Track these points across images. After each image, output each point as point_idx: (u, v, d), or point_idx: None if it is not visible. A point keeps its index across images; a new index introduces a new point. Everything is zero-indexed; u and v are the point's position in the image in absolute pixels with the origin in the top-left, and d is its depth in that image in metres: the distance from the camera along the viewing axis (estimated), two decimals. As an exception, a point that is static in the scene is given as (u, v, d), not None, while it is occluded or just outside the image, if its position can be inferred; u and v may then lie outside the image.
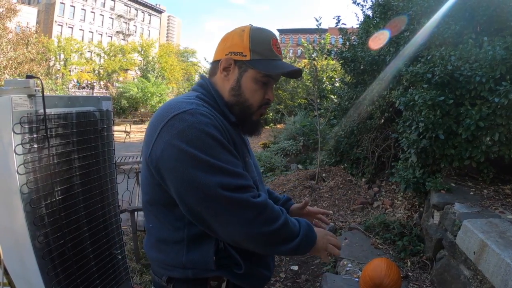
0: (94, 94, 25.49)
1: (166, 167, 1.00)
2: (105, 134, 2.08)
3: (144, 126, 21.32)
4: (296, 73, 1.21)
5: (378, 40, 4.95)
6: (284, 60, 1.22)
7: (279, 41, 1.22)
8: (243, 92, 1.15)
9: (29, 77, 1.58)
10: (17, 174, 1.54)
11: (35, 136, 1.61)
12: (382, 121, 5.59)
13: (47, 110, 1.64)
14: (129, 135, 15.38)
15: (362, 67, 5.54)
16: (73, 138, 1.85)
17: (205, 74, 1.27)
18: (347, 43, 6.20)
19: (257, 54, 1.12)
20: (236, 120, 1.16)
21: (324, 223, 1.50)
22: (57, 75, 28.91)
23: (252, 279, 1.17)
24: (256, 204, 0.98)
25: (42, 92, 1.61)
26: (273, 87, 1.22)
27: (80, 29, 43.93)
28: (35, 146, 1.62)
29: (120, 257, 2.25)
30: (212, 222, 0.99)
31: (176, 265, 1.11)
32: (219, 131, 1.02)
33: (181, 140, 0.97)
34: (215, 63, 1.20)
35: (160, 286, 1.17)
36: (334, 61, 11.43)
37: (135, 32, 51.37)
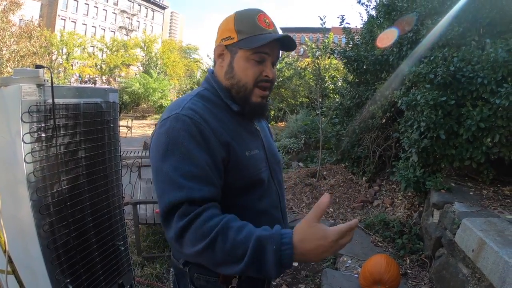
0: (96, 89, 25.47)
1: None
2: (111, 125, 2.09)
3: (146, 122, 21.35)
4: (288, 43, 1.17)
5: (386, 39, 4.95)
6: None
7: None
8: (236, 73, 1.15)
9: (38, 66, 1.59)
10: (24, 163, 1.55)
11: (43, 125, 1.62)
12: (384, 120, 5.62)
13: (55, 100, 1.64)
14: (131, 130, 15.42)
15: (365, 66, 5.56)
16: (80, 128, 1.86)
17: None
18: (351, 43, 6.21)
19: (244, 33, 1.12)
20: (239, 108, 1.17)
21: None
22: (60, 69, 28.84)
23: None
24: (176, 226, 0.95)
25: (51, 81, 1.62)
26: (271, 64, 1.17)
27: (83, 24, 43.86)
28: (43, 135, 1.63)
29: (123, 248, 2.26)
30: None
31: None
32: (191, 137, 1.01)
33: (154, 146, 1.05)
34: (214, 54, 1.23)
35: (178, 268, 1.19)
36: (336, 61, 11.42)
37: (138, 27, 51.26)
